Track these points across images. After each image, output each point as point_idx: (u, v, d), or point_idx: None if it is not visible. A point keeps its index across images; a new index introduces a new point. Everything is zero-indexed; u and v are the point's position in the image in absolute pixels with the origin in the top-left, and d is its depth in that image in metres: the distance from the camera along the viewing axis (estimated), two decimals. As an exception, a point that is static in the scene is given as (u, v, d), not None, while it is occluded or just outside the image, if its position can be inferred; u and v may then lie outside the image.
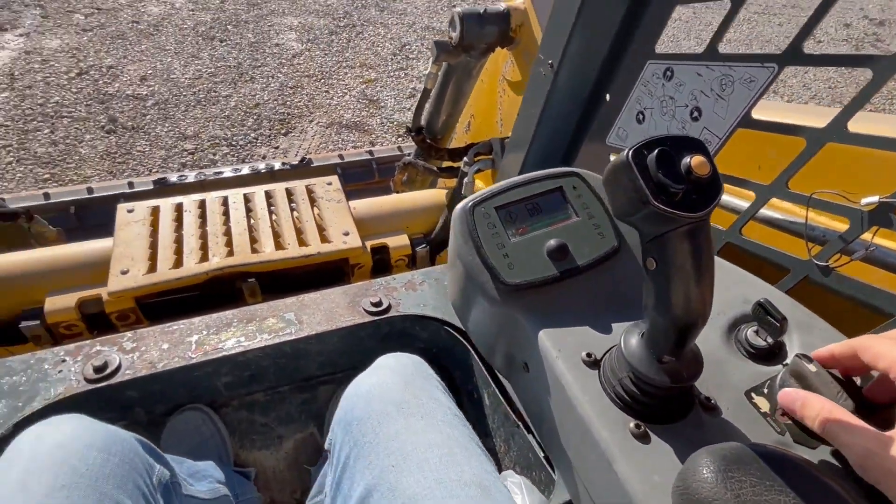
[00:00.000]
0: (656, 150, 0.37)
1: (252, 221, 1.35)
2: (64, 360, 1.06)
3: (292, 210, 1.41)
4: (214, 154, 3.12)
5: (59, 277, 1.22)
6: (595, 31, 0.81)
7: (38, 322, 1.16)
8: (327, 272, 1.37)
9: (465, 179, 1.44)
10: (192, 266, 1.20)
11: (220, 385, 1.13)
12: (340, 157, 2.27)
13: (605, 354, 0.51)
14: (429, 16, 5.02)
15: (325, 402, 1.24)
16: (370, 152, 2.34)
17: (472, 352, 1.05)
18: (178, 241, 1.26)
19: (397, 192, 1.98)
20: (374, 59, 4.28)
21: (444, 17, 5.04)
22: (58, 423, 0.55)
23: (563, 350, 0.52)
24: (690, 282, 0.40)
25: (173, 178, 1.94)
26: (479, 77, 1.59)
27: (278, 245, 1.29)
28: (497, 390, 0.95)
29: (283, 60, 4.08)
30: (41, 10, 4.17)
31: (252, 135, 3.32)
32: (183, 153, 3.10)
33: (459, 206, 0.62)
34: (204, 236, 1.28)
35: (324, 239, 1.33)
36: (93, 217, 1.84)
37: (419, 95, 1.62)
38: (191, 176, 1.95)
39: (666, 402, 0.47)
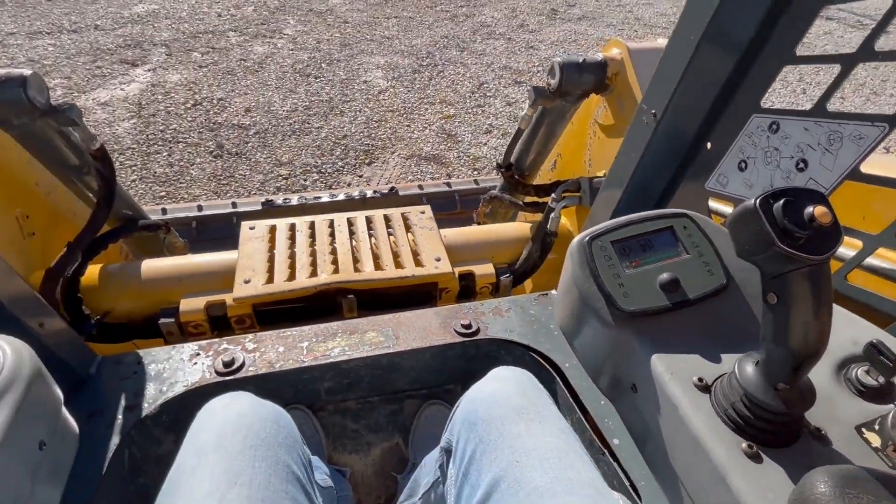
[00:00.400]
0: (782, 200, 0.43)
1: (355, 243, 1.47)
2: (198, 354, 1.22)
3: (389, 234, 1.53)
4: (305, 180, 3.39)
5: (192, 283, 1.39)
6: (701, 85, 0.88)
7: (172, 320, 1.34)
8: (417, 294, 1.46)
9: (552, 214, 1.51)
10: (303, 280, 1.33)
11: (321, 389, 1.23)
12: (420, 187, 2.42)
13: (716, 380, 0.56)
14: (507, 56, 5.23)
15: (411, 415, 1.31)
16: (448, 184, 2.47)
17: (558, 378, 1.10)
18: (292, 257, 1.40)
19: (479, 224, 2.08)
20: (454, 97, 4.50)
21: (521, 57, 5.23)
22: (237, 396, 0.67)
23: (675, 374, 0.58)
24: (809, 317, 0.45)
25: (279, 200, 2.15)
26: (570, 119, 1.67)
27: (377, 266, 1.40)
28: (582, 416, 1.00)
29: (370, 96, 4.39)
30: (167, 48, 4.75)
31: (339, 163, 3.58)
32: (278, 178, 3.39)
33: (577, 238, 0.69)
34: (314, 254, 1.42)
35: (417, 263, 1.43)
36: (209, 231, 2.08)
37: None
38: (294, 199, 2.15)
39: (777, 428, 0.51)
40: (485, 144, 3.85)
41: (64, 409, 0.70)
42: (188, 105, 4.05)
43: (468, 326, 1.32)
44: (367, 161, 3.64)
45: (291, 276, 1.34)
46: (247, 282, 1.32)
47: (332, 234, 1.49)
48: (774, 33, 0.78)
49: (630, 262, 0.66)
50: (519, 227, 1.71)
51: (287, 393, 1.21)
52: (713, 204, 0.95)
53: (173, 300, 1.35)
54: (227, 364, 1.18)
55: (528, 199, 1.79)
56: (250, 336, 1.28)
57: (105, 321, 1.34)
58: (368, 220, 1.57)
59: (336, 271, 1.36)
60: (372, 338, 1.29)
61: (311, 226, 1.51)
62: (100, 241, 1.39)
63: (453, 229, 1.67)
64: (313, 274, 1.35)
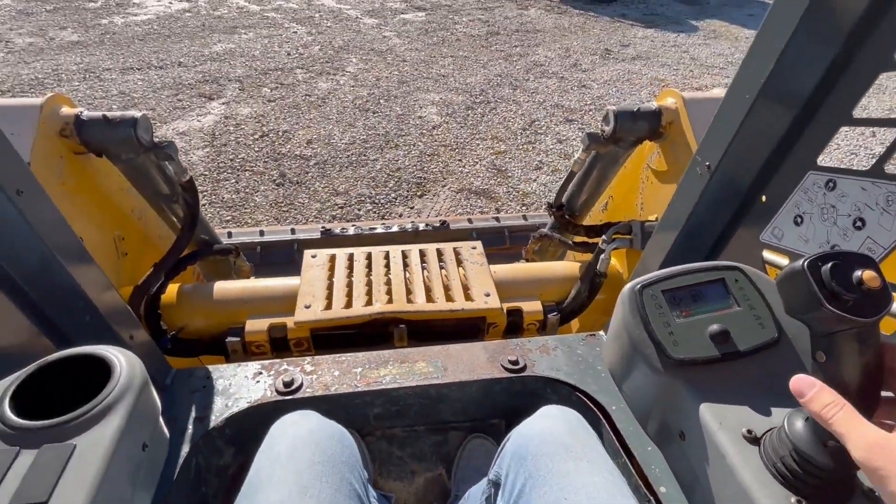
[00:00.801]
0: (830, 263, 0.46)
1: (408, 275, 1.54)
2: (261, 373, 1.30)
3: (441, 268, 1.58)
4: (360, 209, 3.55)
5: (258, 305, 1.49)
6: (756, 140, 0.90)
7: (238, 339, 1.43)
8: (466, 327, 1.50)
9: (602, 256, 1.53)
10: (358, 308, 1.40)
11: (371, 414, 1.28)
12: (470, 220, 2.48)
13: (766, 433, 0.57)
14: (559, 95, 5.32)
15: (455, 447, 1.34)
16: (497, 218, 2.53)
17: (604, 420, 1.10)
18: (350, 286, 1.48)
19: (528, 260, 2.11)
20: (505, 133, 4.61)
21: (573, 96, 5.31)
22: (306, 415, 0.73)
23: (723, 424, 0.59)
24: (858, 376, 0.46)
25: (336, 230, 2.27)
26: (623, 164, 1.69)
27: (429, 298, 1.46)
28: (628, 461, 1.00)
29: (424, 131, 4.56)
30: (240, 84, 5.14)
31: (392, 195, 3.72)
32: (334, 206, 3.56)
33: (628, 285, 0.72)
34: (370, 284, 1.49)
35: (467, 297, 1.47)
36: (271, 256, 2.22)
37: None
38: (350, 230, 2.27)
39: (828, 485, 0.52)
40: (534, 181, 3.90)
41: (160, 416, 0.79)
42: (256, 136, 4.35)
43: (515, 362, 1.35)
44: (418, 193, 3.76)
45: (348, 304, 1.41)
46: (307, 307, 1.40)
47: (388, 266, 1.56)
48: (832, 95, 0.80)
49: (681, 311, 0.69)
50: (568, 266, 1.73)
51: (339, 415, 1.27)
52: (768, 255, 0.95)
53: (240, 320, 1.45)
54: (286, 384, 1.26)
55: (578, 238, 1.81)
56: (308, 359, 1.36)
57: (178, 336, 1.46)
58: (422, 254, 1.63)
59: (390, 301, 1.43)
60: (422, 368, 1.34)
61: (368, 257, 1.60)
62: (180, 263, 1.52)
63: (503, 265, 1.71)
64: (368, 303, 1.42)
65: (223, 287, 1.54)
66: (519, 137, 4.56)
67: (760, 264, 0.99)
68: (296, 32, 6.60)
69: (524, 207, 3.63)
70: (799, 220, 0.86)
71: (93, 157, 1.35)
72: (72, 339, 1.03)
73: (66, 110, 1.29)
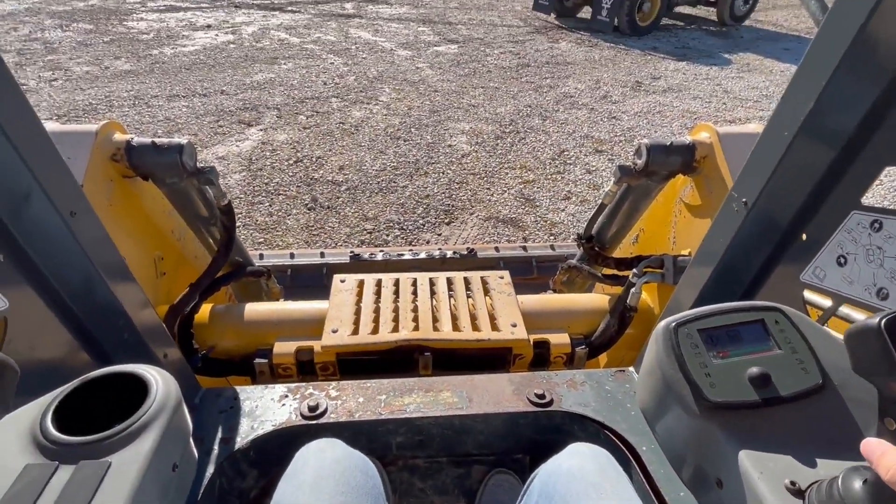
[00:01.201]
0: None
1: (435, 303, 1.54)
2: (286, 396, 1.31)
3: (469, 297, 1.58)
4: (388, 235, 3.59)
5: (286, 328, 1.51)
6: (796, 177, 0.88)
7: (266, 360, 1.45)
8: (491, 358, 1.48)
9: (633, 290, 1.49)
10: (385, 334, 1.41)
11: (393, 443, 1.27)
12: (497, 249, 2.48)
13: (810, 486, 0.54)
14: (588, 126, 5.34)
15: (477, 481, 1.31)
16: (524, 247, 2.52)
17: (634, 462, 1.07)
18: (377, 311, 1.49)
19: (555, 291, 2.08)
20: (534, 163, 4.63)
21: (602, 127, 5.32)
22: (331, 443, 0.73)
23: (765, 473, 0.56)
24: None
25: (365, 255, 2.30)
26: (655, 197, 1.67)
27: (455, 327, 1.45)
28: None
29: (454, 159, 4.63)
30: (277, 111, 5.34)
31: (420, 221, 3.76)
32: (363, 231, 3.62)
33: (663, 323, 0.71)
34: (396, 310, 1.50)
35: (494, 327, 1.46)
36: (301, 279, 2.26)
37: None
38: (378, 255, 2.30)
39: (881, 551, 0.48)
40: (562, 210, 3.89)
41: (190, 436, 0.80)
42: (290, 161, 4.48)
43: (542, 396, 1.32)
44: (446, 220, 3.79)
45: (375, 330, 1.42)
46: (334, 331, 1.41)
47: (415, 293, 1.57)
48: (876, 134, 0.78)
49: (717, 351, 0.67)
50: (597, 299, 1.70)
51: (361, 442, 1.27)
52: (809, 296, 0.92)
53: (268, 342, 1.47)
54: (311, 409, 1.26)
55: (608, 271, 1.79)
56: (333, 384, 1.36)
57: (209, 356, 1.49)
58: (449, 282, 1.64)
59: (416, 329, 1.43)
60: (446, 398, 1.32)
61: (396, 283, 1.61)
62: (215, 284, 1.56)
63: (531, 296, 1.69)
64: (395, 329, 1.42)
65: (253, 309, 1.58)
66: (548, 167, 4.57)
67: (801, 305, 0.96)
68: (332, 63, 6.86)
69: (552, 237, 3.62)
70: (842, 260, 0.83)
71: (139, 180, 1.42)
72: (109, 355, 1.06)
73: (118, 136, 1.36)
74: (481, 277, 1.67)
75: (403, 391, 1.36)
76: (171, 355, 1.20)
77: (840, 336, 0.62)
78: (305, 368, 1.46)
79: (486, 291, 1.61)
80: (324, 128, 5.04)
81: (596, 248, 1.81)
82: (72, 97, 5.54)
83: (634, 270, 1.53)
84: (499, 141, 4.97)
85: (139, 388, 0.67)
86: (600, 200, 1.71)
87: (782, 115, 0.88)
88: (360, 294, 1.56)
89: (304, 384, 1.38)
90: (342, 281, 1.62)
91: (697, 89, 6.82)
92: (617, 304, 1.56)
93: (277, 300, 1.92)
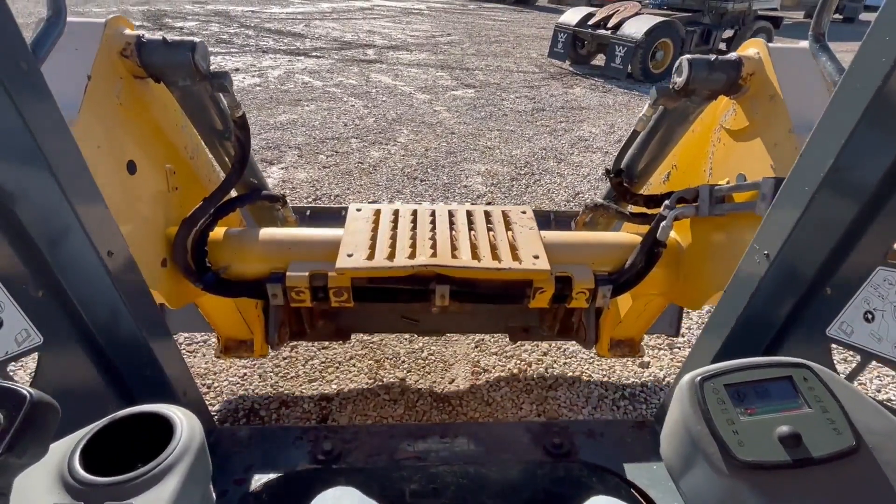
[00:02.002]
0: None
1: (454, 233, 1.46)
2: (301, 438, 1.31)
3: (489, 230, 1.49)
4: (403, 274, 3.61)
5: (300, 252, 1.45)
6: (818, 232, 0.88)
7: (279, 284, 1.38)
8: (510, 291, 1.40)
9: (663, 223, 1.39)
10: (402, 259, 1.32)
11: (407, 490, 1.25)
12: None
13: (848, 557, 0.52)
14: (603, 168, 5.40)
15: (493, 535, 1.27)
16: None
17: None
18: (394, 238, 1.42)
19: None
20: (549, 204, 4.67)
21: (617, 171, 5.36)
22: (347, 492, 0.72)
23: (799, 542, 0.54)
24: None
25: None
26: (693, 123, 1.55)
27: (475, 255, 1.37)
28: None
29: (469, 199, 4.69)
30: (299, 151, 5.50)
31: (435, 261, 3.78)
32: (378, 270, 3.65)
33: (687, 377, 0.70)
34: (414, 238, 1.42)
35: (515, 257, 1.37)
36: (318, 217, 2.26)
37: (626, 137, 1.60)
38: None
39: None
40: (577, 253, 3.89)
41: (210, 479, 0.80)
42: (309, 199, 4.58)
43: (559, 446, 1.29)
44: (461, 260, 3.81)
45: (391, 256, 1.34)
46: (349, 255, 1.34)
47: (434, 223, 1.49)
48: (897, 191, 0.79)
49: (745, 408, 0.66)
50: (623, 236, 1.60)
51: (374, 489, 1.24)
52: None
53: (282, 266, 1.41)
54: (325, 452, 1.25)
55: (636, 209, 1.66)
56: (349, 427, 1.35)
57: (221, 276, 1.43)
58: (469, 214, 1.56)
59: (434, 255, 1.35)
60: (462, 444, 1.30)
61: (414, 214, 1.54)
62: (229, 204, 1.52)
63: (554, 232, 1.60)
64: (412, 256, 1.34)
65: (268, 232, 1.53)
66: (563, 208, 4.60)
67: (828, 360, 0.94)
68: (353, 106, 7.10)
69: (567, 279, 3.60)
70: (869, 316, 0.82)
71: (151, 84, 1.36)
72: (131, 391, 1.07)
73: (128, 31, 1.31)
74: (502, 211, 1.58)
75: (419, 436, 1.35)
76: (190, 394, 1.21)
77: (871, 396, 0.61)
78: (319, 294, 1.39)
79: (508, 225, 1.52)
80: (343, 167, 5.17)
81: (625, 184, 1.68)
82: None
83: (666, 202, 1.42)
84: (514, 182, 5.04)
85: (164, 428, 0.68)
86: (633, 128, 1.59)
87: (803, 171, 0.90)
88: (376, 222, 1.50)
89: (318, 426, 1.37)
90: (358, 210, 1.56)
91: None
92: (645, 240, 1.45)
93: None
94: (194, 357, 2.80)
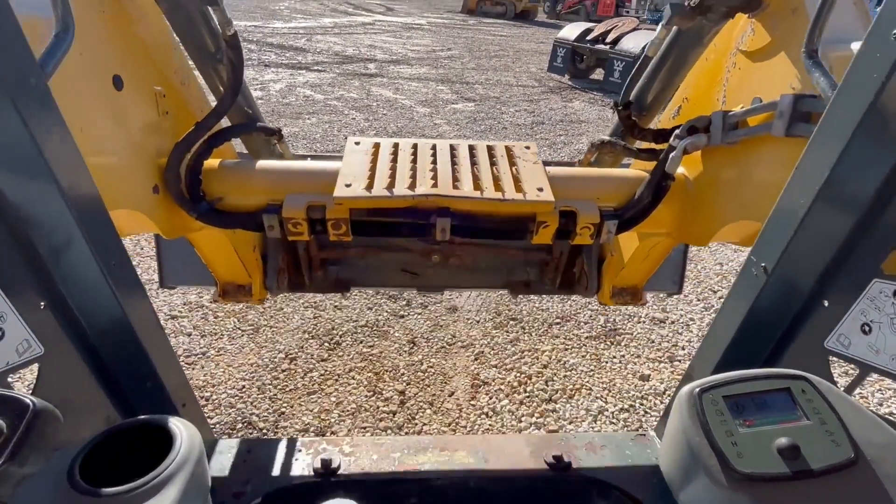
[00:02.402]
0: None
1: (456, 166, 1.42)
2: (300, 451, 1.30)
3: (492, 164, 1.45)
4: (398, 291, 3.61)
5: (297, 183, 1.39)
6: (815, 244, 0.89)
7: (276, 215, 1.34)
8: (513, 225, 1.37)
9: (673, 154, 1.34)
10: (402, 190, 1.28)
11: (406, 504, 1.23)
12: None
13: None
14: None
15: (493, 550, 1.26)
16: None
17: None
18: (393, 171, 1.37)
19: None
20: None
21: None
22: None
23: (800, 554, 0.54)
24: None
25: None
26: (707, 46, 1.48)
27: (477, 187, 1.33)
28: None
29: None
30: (300, 163, 5.55)
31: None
32: (381, 295, 3.65)
33: (686, 388, 0.70)
34: (414, 170, 1.38)
35: (518, 189, 1.34)
36: (318, 156, 2.22)
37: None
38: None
39: None
40: (577, 265, 3.89)
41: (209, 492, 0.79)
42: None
43: (559, 459, 1.29)
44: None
45: (391, 186, 1.31)
46: (348, 185, 1.31)
47: (434, 157, 1.46)
48: (893, 204, 0.80)
49: (744, 420, 0.66)
50: (630, 172, 1.55)
51: (374, 501, 1.24)
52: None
53: (279, 198, 1.37)
54: (325, 464, 1.25)
55: (645, 145, 1.59)
56: (347, 439, 1.35)
57: (216, 206, 1.39)
58: (471, 148, 1.52)
59: (435, 186, 1.31)
60: (462, 457, 1.29)
61: (414, 147, 1.50)
62: (224, 133, 1.47)
63: (559, 167, 1.56)
64: (412, 187, 1.31)
65: (264, 164, 1.49)
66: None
67: (827, 372, 0.94)
68: (354, 119, 7.17)
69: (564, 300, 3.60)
70: (867, 328, 0.83)
71: None
72: (131, 402, 1.07)
73: None
74: (506, 146, 1.54)
75: (419, 449, 1.34)
76: (189, 407, 1.20)
77: (870, 409, 0.61)
78: (316, 227, 1.36)
79: (511, 160, 1.48)
80: (344, 179, 5.21)
81: (633, 118, 1.61)
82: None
83: (677, 132, 1.37)
84: (514, 195, 5.07)
85: (164, 439, 0.68)
86: (643, 53, 1.51)
87: (798, 185, 0.91)
88: (375, 155, 1.45)
89: (317, 439, 1.36)
90: (357, 143, 1.50)
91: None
92: (653, 173, 1.40)
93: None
94: (193, 369, 2.79)
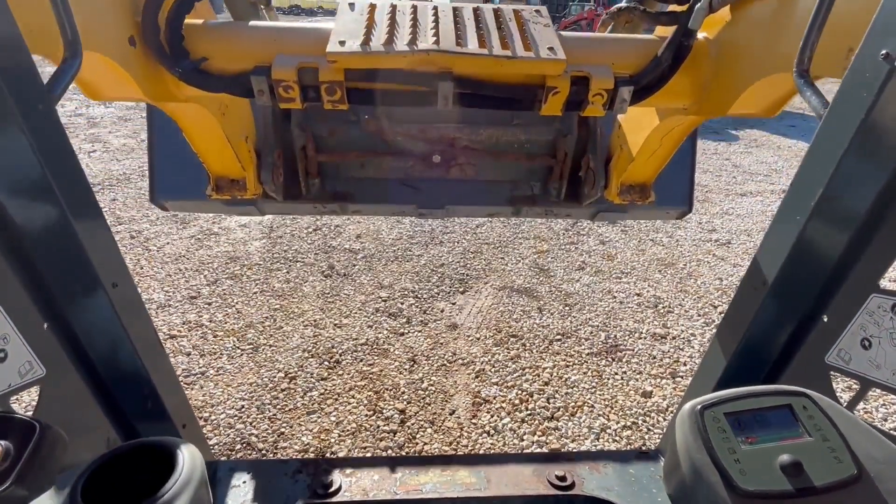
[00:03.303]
0: None
1: (459, 25, 1.33)
2: (300, 472, 1.29)
3: (499, 27, 1.34)
4: (402, 303, 3.61)
5: (288, 43, 1.30)
6: (812, 260, 0.90)
7: (264, 77, 1.24)
8: (521, 93, 1.29)
9: (699, 5, 1.22)
10: (401, 46, 1.20)
11: (408, 525, 1.22)
12: None
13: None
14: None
15: (496, 572, 1.24)
16: None
17: None
18: (391, 29, 1.28)
19: None
20: (548, 233, 4.71)
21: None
22: None
23: (805, 573, 0.54)
24: None
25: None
26: None
27: (483, 45, 1.24)
28: None
29: (468, 229, 4.73)
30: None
31: (435, 290, 3.78)
32: (378, 299, 3.65)
33: (688, 405, 0.70)
34: (414, 28, 1.29)
35: (527, 48, 1.24)
36: None
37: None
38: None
39: None
40: (577, 281, 3.90)
41: None
42: (309, 230, 4.62)
43: (562, 479, 1.27)
44: (461, 290, 3.81)
45: (389, 43, 1.21)
46: (341, 43, 1.21)
47: (436, 17, 1.36)
48: (888, 220, 0.81)
49: (746, 437, 0.66)
50: (649, 38, 1.44)
51: (375, 525, 1.22)
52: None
53: (268, 60, 1.27)
54: (325, 486, 1.23)
55: (669, 8, 1.44)
56: (348, 461, 1.34)
57: (201, 68, 1.29)
58: (476, 10, 1.41)
59: (437, 43, 1.21)
60: (464, 478, 1.28)
61: (414, 9, 1.40)
62: None
63: (572, 32, 1.47)
64: (412, 44, 1.21)
65: (252, 24, 1.38)
66: (562, 238, 4.64)
67: (828, 387, 0.94)
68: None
69: (567, 308, 3.60)
70: (867, 343, 0.83)
71: None
72: (131, 423, 1.07)
73: None
74: (514, 9, 1.42)
75: (420, 469, 1.33)
76: (190, 428, 1.20)
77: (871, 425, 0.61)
78: (309, 93, 1.27)
79: (520, 23, 1.36)
80: (343, 198, 5.23)
81: None
82: (108, 167, 5.86)
83: None
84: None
85: (166, 460, 0.67)
86: None
87: (794, 201, 0.92)
88: (371, 14, 1.35)
89: (318, 460, 1.35)
90: (350, 3, 1.39)
91: (707, 164, 7.01)
92: (675, 32, 1.28)
93: None
94: (192, 389, 2.77)
